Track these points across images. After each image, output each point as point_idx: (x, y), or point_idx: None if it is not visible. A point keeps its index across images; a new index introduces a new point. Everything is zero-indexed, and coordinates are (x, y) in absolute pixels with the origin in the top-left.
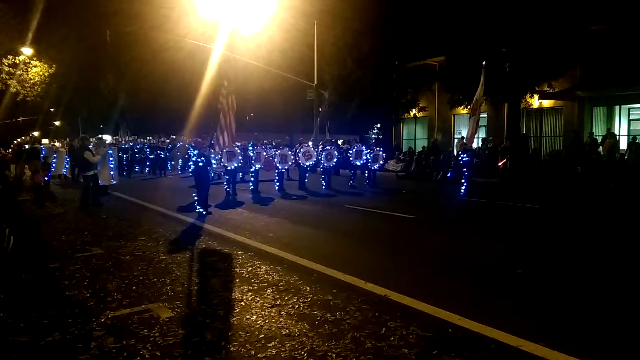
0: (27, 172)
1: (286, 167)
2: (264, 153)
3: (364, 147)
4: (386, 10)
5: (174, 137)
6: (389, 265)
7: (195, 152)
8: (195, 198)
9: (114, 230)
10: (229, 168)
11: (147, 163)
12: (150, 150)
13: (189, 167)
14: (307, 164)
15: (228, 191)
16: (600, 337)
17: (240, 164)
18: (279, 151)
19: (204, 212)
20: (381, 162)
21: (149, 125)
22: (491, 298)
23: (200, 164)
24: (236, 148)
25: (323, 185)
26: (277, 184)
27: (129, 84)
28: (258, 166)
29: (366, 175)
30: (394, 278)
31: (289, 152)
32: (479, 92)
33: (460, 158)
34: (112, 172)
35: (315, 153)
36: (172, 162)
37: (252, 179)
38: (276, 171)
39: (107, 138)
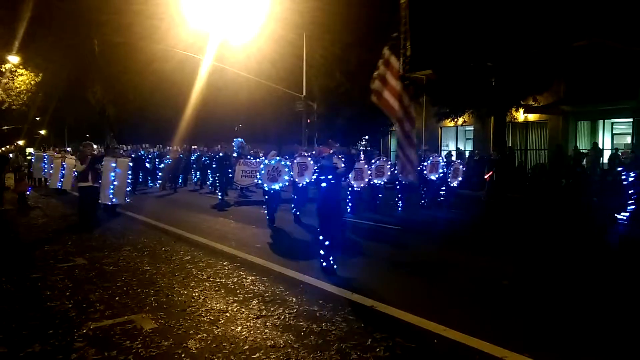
0: (9, 181)
1: (362, 185)
2: (365, 167)
3: (440, 158)
4: (375, 23)
5: (195, 146)
6: (376, 277)
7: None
8: (325, 243)
9: (97, 241)
10: (299, 185)
11: (159, 174)
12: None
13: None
14: (381, 181)
15: (297, 215)
16: (584, 349)
17: (312, 180)
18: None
19: (326, 264)
20: (460, 179)
21: (136, 134)
22: (477, 309)
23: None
24: (309, 159)
25: (399, 205)
26: (350, 204)
27: (116, 93)
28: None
29: (442, 193)
30: (381, 289)
31: (365, 167)
32: None
33: (624, 177)
34: (111, 190)
35: (387, 167)
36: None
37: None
38: (349, 190)
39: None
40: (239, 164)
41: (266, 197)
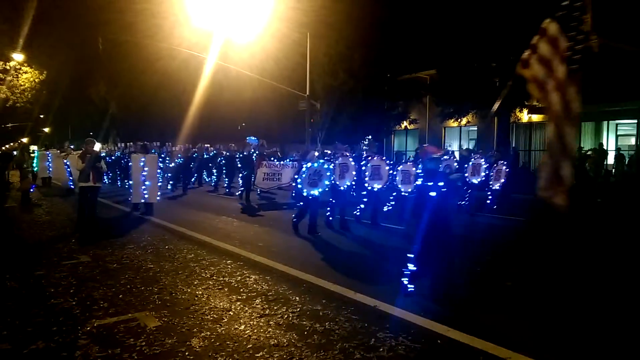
0: (14, 178)
1: (410, 189)
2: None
3: (483, 160)
4: (379, 23)
5: (208, 144)
6: (379, 276)
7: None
8: (410, 268)
9: (101, 239)
10: (341, 188)
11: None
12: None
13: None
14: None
15: (330, 220)
16: (588, 350)
17: (352, 183)
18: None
19: (410, 288)
20: (503, 180)
21: (140, 133)
22: (480, 309)
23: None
24: (350, 159)
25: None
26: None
27: (120, 92)
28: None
29: (489, 197)
30: (384, 289)
31: (413, 169)
32: None
33: None
34: (144, 189)
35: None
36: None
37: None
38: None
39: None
40: (262, 165)
41: (301, 202)
